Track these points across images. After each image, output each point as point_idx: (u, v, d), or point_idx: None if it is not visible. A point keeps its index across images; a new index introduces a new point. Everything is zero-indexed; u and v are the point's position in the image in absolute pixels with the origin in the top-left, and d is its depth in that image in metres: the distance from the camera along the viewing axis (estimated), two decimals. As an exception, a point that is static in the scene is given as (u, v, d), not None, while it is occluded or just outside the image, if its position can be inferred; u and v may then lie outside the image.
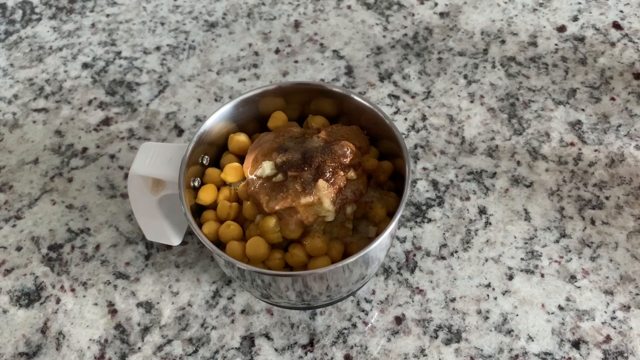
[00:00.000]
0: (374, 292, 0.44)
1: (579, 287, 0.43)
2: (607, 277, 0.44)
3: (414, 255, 0.45)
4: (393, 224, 0.36)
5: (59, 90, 0.56)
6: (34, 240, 0.47)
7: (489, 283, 0.44)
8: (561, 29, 0.58)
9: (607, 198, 0.47)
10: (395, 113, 0.52)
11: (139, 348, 0.42)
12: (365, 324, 0.43)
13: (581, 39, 0.57)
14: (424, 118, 0.52)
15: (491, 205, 0.47)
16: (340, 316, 0.43)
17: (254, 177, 0.38)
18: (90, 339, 0.43)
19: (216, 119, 0.41)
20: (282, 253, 0.38)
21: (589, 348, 0.41)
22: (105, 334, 0.43)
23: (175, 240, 0.45)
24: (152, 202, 0.41)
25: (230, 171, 0.40)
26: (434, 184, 0.48)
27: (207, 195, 0.40)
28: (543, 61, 0.55)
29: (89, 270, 0.46)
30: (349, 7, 0.60)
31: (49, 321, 0.44)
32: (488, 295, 0.43)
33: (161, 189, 0.41)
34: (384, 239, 0.36)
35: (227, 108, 0.41)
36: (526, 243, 0.45)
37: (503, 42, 0.57)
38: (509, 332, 0.42)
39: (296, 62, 0.56)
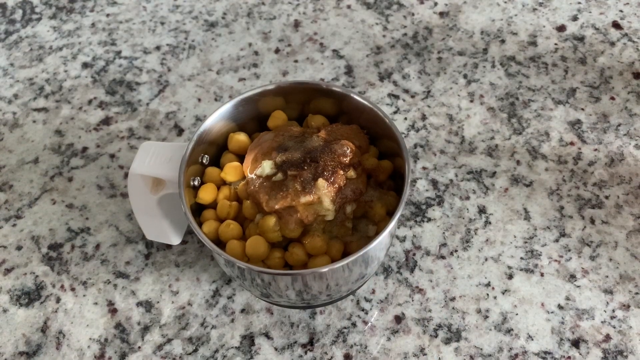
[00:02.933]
0: (373, 291, 0.44)
1: (578, 287, 0.43)
2: (607, 276, 0.44)
3: (414, 254, 0.45)
4: (393, 223, 0.36)
5: (59, 90, 0.56)
6: (34, 239, 0.47)
7: (489, 282, 0.44)
8: (561, 28, 0.58)
9: (606, 197, 0.47)
10: (395, 112, 0.52)
11: (139, 347, 0.42)
12: (365, 323, 0.43)
13: (581, 39, 0.57)
14: (423, 117, 0.52)
15: (491, 205, 0.47)
16: (340, 315, 0.43)
17: (254, 176, 0.38)
18: (90, 338, 0.43)
19: (216, 118, 0.41)
20: (282, 252, 0.38)
21: (588, 347, 0.41)
22: (105, 333, 0.43)
23: (175, 240, 0.45)
24: (152, 201, 0.41)
25: (230, 170, 0.40)
26: (434, 183, 0.48)
27: (207, 194, 0.40)
28: (543, 61, 0.55)
29: (89, 270, 0.46)
30: (348, 6, 0.60)
31: (49, 320, 0.44)
32: (488, 294, 0.43)
33: (161, 188, 0.41)
34: (383, 238, 0.36)
35: (227, 107, 0.41)
36: (526, 242, 0.45)
37: (503, 41, 0.57)
38: (509, 331, 0.42)
39: (296, 61, 0.56)
